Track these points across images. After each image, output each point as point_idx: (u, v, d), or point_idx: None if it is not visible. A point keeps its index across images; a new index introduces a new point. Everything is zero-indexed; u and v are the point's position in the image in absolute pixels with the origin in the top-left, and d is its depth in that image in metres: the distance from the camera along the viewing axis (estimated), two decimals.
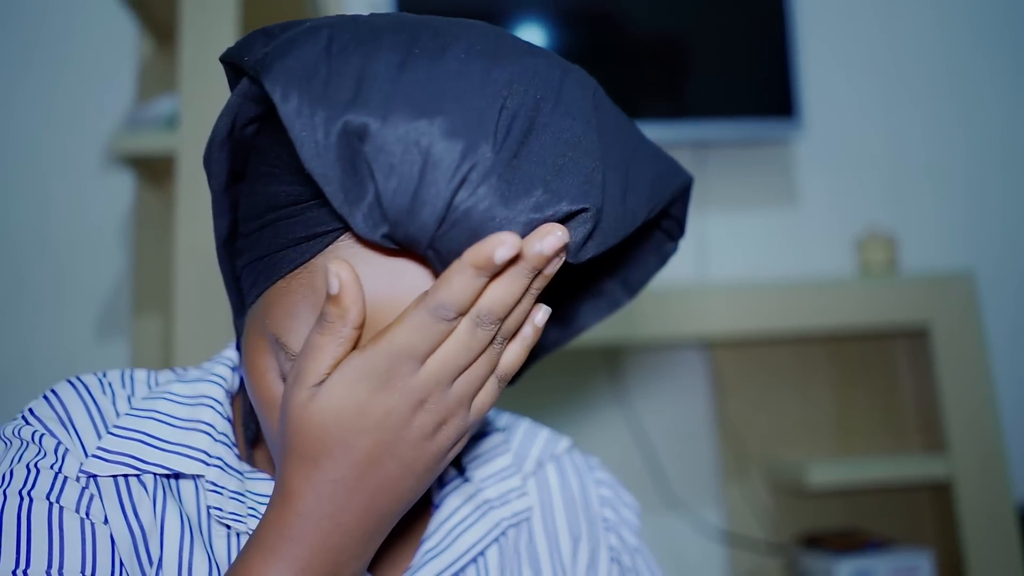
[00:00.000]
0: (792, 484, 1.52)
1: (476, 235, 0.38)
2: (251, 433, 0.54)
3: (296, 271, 0.43)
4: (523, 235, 0.38)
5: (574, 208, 0.39)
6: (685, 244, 1.74)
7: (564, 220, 0.40)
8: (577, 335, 0.61)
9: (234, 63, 0.43)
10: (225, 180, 0.46)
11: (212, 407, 0.52)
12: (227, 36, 1.44)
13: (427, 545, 0.54)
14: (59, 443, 0.48)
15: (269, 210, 0.44)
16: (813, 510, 1.61)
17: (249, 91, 0.42)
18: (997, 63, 1.90)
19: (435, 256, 0.39)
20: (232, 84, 0.46)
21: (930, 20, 1.90)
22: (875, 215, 1.80)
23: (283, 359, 0.44)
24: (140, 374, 0.54)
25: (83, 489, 0.47)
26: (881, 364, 1.67)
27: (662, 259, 0.57)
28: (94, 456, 0.48)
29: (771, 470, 1.59)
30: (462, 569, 0.55)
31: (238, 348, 0.53)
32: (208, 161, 0.45)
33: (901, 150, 1.85)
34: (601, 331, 1.43)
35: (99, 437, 0.49)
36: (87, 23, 1.73)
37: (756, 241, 1.78)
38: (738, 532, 1.59)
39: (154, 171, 1.57)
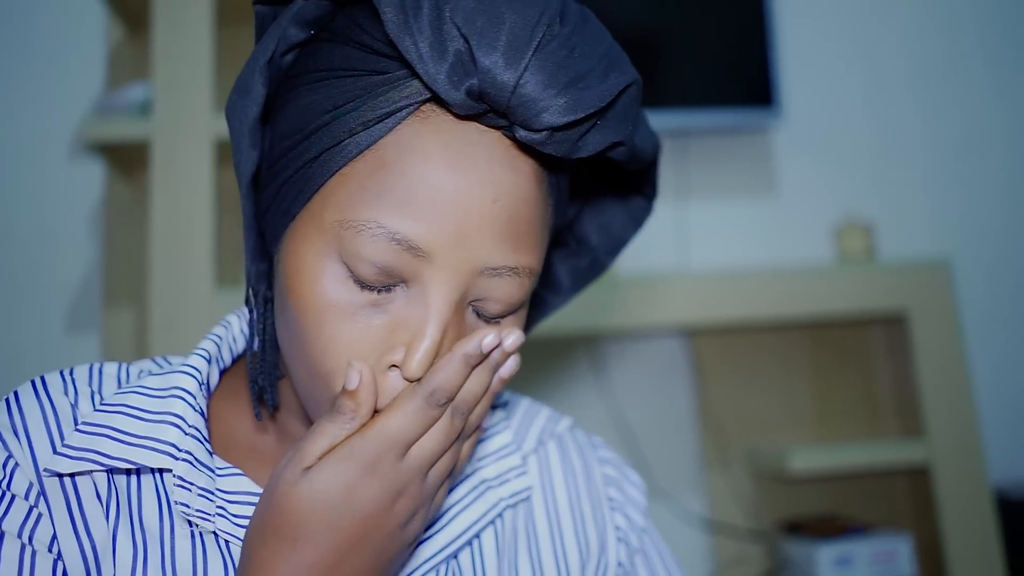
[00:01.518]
0: (773, 471, 1.53)
1: (540, 105, 0.41)
2: (257, 389, 0.52)
3: (358, 157, 0.44)
4: (582, 107, 0.42)
5: (628, 81, 0.44)
6: (665, 232, 1.74)
7: (619, 95, 0.44)
8: (563, 304, 0.61)
9: None
10: (260, 110, 0.46)
11: (183, 399, 0.49)
12: (201, 22, 1.41)
13: None
14: (9, 456, 0.46)
15: (320, 114, 0.45)
16: (794, 496, 1.62)
17: (300, 13, 0.45)
18: (974, 52, 1.92)
19: (512, 109, 0.41)
20: (261, 27, 0.48)
21: (908, 8, 1.91)
22: (853, 203, 1.81)
23: (349, 243, 0.43)
24: (110, 368, 0.52)
25: (31, 508, 0.45)
26: (859, 351, 1.69)
27: (638, 223, 0.59)
28: (59, 454, 0.46)
29: (752, 457, 1.60)
30: (456, 552, 0.54)
31: (247, 300, 0.51)
32: (245, 93, 0.46)
33: (880, 138, 1.86)
34: (582, 319, 1.42)
35: (53, 444, 0.47)
36: (54, 7, 1.69)
37: (736, 229, 1.79)
38: (720, 519, 1.59)
39: (125, 159, 1.54)
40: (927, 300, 1.51)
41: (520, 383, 1.63)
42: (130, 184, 1.60)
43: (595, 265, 0.60)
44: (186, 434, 0.48)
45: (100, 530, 0.47)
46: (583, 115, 0.41)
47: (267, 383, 0.51)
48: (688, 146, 1.79)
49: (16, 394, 0.49)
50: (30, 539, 0.45)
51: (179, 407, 0.49)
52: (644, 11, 1.72)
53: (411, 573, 0.51)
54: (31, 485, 0.46)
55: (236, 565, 0.48)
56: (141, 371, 0.53)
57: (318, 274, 0.44)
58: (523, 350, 1.72)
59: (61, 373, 0.51)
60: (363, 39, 0.45)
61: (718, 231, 1.78)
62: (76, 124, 1.65)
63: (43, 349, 1.58)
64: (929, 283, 1.51)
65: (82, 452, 0.46)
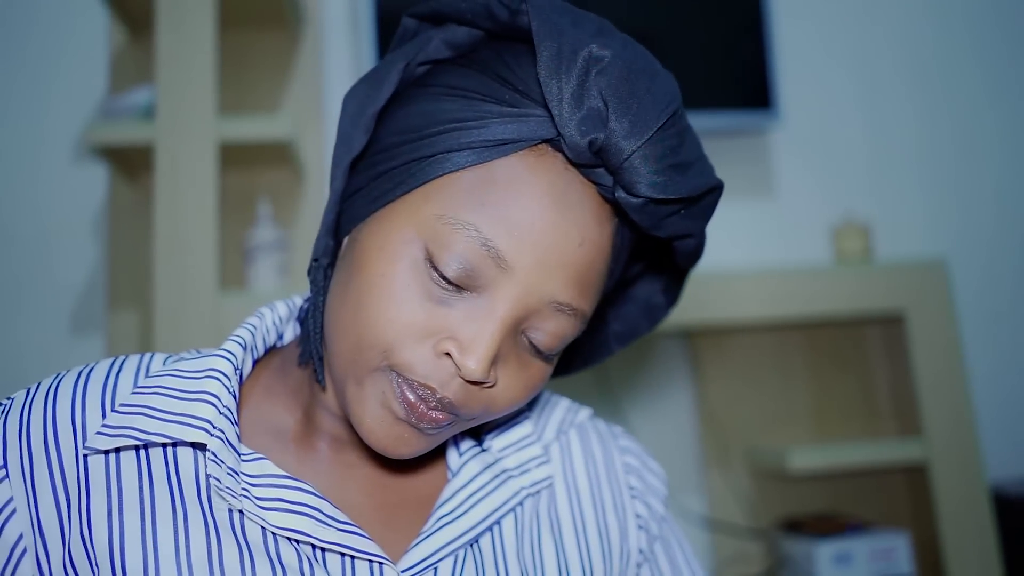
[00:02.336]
0: (773, 469, 1.54)
1: (647, 176, 0.47)
2: (317, 355, 0.54)
3: (469, 168, 0.48)
4: (669, 194, 0.48)
5: (718, 183, 0.51)
6: None
7: (708, 192, 0.51)
8: (590, 365, 0.65)
9: (438, 14, 0.52)
10: (384, 102, 0.51)
11: (219, 379, 0.51)
12: (204, 26, 1.42)
13: (442, 510, 0.54)
14: (6, 476, 0.49)
15: (441, 123, 0.49)
16: (793, 495, 1.64)
17: (451, 36, 0.52)
18: (970, 53, 1.94)
19: (621, 171, 0.47)
20: (402, 37, 0.55)
21: (905, 9, 1.93)
22: (851, 204, 1.83)
23: (443, 235, 0.47)
24: (132, 359, 0.55)
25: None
26: (857, 351, 1.70)
27: (653, 322, 0.63)
28: (98, 434, 0.48)
29: (751, 456, 1.61)
30: (477, 538, 0.55)
31: (310, 272, 0.54)
32: (377, 84, 0.51)
33: (876, 140, 1.88)
34: None
35: (53, 445, 0.50)
36: (54, 10, 1.70)
37: (734, 231, 1.80)
38: (720, 518, 1.60)
39: (128, 163, 1.55)
40: (924, 300, 1.53)
41: None
42: (133, 187, 1.61)
43: (602, 348, 0.63)
44: (220, 413, 0.50)
45: (101, 527, 0.48)
46: (675, 197, 0.47)
47: (317, 355, 0.54)
48: None
49: (33, 390, 0.52)
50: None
51: (214, 387, 0.51)
52: (641, 12, 1.73)
53: (431, 555, 0.52)
54: (10, 501, 0.49)
55: (251, 551, 0.49)
56: (168, 358, 0.55)
57: (399, 257, 0.47)
58: None
59: (109, 362, 0.54)
60: (503, 73, 0.50)
61: (716, 233, 1.79)
62: (79, 127, 1.66)
63: (47, 351, 1.59)
64: (926, 283, 1.53)
65: (120, 430, 0.49)
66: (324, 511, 0.50)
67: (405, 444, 0.49)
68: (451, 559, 0.53)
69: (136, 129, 1.42)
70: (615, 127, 0.45)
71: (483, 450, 0.59)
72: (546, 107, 0.48)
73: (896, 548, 1.47)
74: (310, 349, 0.54)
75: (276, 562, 0.49)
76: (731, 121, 1.72)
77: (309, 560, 0.50)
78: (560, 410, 0.65)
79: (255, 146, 1.47)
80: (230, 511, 0.50)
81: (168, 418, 0.49)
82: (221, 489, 0.48)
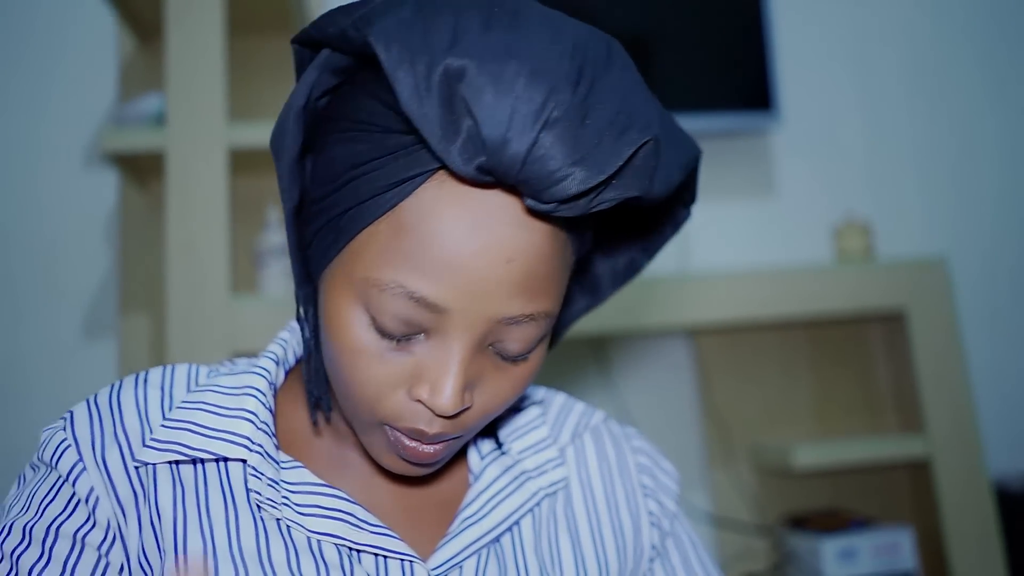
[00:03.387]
0: (777, 466, 1.56)
1: (552, 173, 0.42)
2: (314, 399, 0.56)
3: (382, 217, 0.47)
4: (596, 172, 0.42)
5: (644, 138, 0.44)
6: None
7: (635, 153, 0.44)
8: (602, 302, 0.64)
9: (312, 39, 0.49)
10: (297, 152, 0.50)
11: (256, 396, 0.55)
12: (213, 35, 1.44)
13: (466, 512, 0.57)
14: (79, 460, 0.52)
15: (349, 168, 0.47)
16: (797, 491, 1.65)
17: (329, 62, 0.48)
18: (970, 52, 1.96)
19: (522, 183, 0.43)
20: (301, 65, 0.51)
21: (904, 9, 1.95)
22: (852, 203, 1.85)
23: (373, 299, 0.47)
24: (181, 368, 0.58)
25: (90, 512, 0.51)
26: (859, 348, 1.72)
27: (676, 226, 0.61)
28: (147, 447, 0.52)
29: (756, 453, 1.63)
30: (498, 537, 0.58)
31: (298, 319, 0.56)
32: (282, 135, 0.49)
33: (877, 139, 1.90)
34: (589, 321, 1.45)
35: (143, 437, 0.53)
36: (64, 19, 1.72)
37: (736, 230, 1.82)
38: (725, 515, 1.62)
39: (139, 169, 1.57)
40: (925, 298, 1.54)
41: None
42: (143, 192, 1.63)
43: (632, 264, 0.63)
44: (258, 428, 0.53)
45: (167, 517, 0.52)
46: (592, 184, 0.43)
47: (321, 392, 0.56)
48: None
49: (95, 397, 0.55)
50: (83, 539, 0.50)
51: (251, 404, 0.54)
52: (642, 16, 1.75)
53: (457, 554, 0.55)
54: (92, 489, 0.51)
55: (296, 548, 0.52)
56: (216, 373, 0.58)
57: (350, 321, 0.48)
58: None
59: (134, 379, 0.56)
60: (386, 98, 0.46)
61: (719, 233, 1.81)
62: (89, 134, 1.68)
63: (60, 354, 1.61)
64: (926, 281, 1.55)
65: (168, 444, 0.52)
66: (357, 515, 0.54)
67: (420, 470, 0.53)
68: (475, 558, 0.56)
69: (147, 136, 1.44)
70: (493, 144, 0.42)
71: (503, 453, 0.62)
72: None
73: (900, 543, 1.49)
74: (312, 390, 0.56)
75: (320, 559, 0.52)
76: (732, 122, 1.74)
77: (348, 557, 0.53)
78: (575, 415, 0.67)
79: (264, 151, 1.49)
80: (255, 516, 0.53)
81: (212, 434, 0.53)
82: (262, 502, 0.52)
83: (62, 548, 0.49)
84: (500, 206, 0.45)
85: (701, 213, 1.80)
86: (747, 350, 1.70)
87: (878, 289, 1.54)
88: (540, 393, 0.68)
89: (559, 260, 0.49)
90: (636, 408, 1.68)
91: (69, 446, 0.52)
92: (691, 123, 1.72)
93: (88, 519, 0.51)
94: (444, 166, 0.45)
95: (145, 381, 0.56)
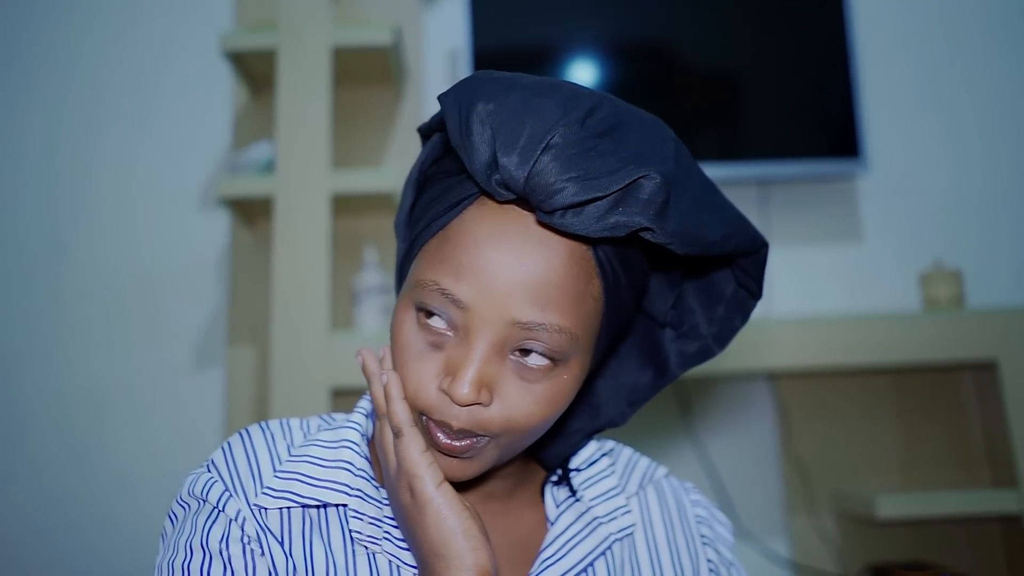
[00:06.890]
0: (860, 515, 1.54)
1: (549, 185, 0.51)
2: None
3: (436, 235, 0.58)
4: (586, 197, 0.51)
5: (645, 172, 0.51)
6: None
7: (636, 183, 0.51)
8: (670, 380, 0.69)
9: (431, 128, 0.63)
10: (410, 205, 0.64)
11: (351, 448, 0.63)
12: (320, 89, 1.55)
13: (545, 554, 0.63)
14: (225, 490, 0.61)
15: (428, 202, 0.60)
16: (880, 540, 1.63)
17: (439, 141, 0.62)
18: None
19: (529, 194, 0.52)
20: (425, 144, 0.66)
21: (992, 55, 1.93)
22: (939, 250, 1.82)
23: (417, 296, 0.56)
24: (295, 422, 0.67)
25: (243, 533, 0.59)
26: (948, 396, 1.69)
27: (744, 316, 0.65)
28: (264, 494, 0.60)
29: (838, 501, 1.61)
30: None
31: None
32: (402, 194, 0.64)
33: (965, 185, 1.87)
34: None
35: (256, 483, 0.61)
36: (186, 75, 1.88)
37: (821, 276, 1.82)
38: (805, 563, 1.61)
39: (249, 212, 1.69)
40: (1017, 347, 1.51)
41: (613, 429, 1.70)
42: (252, 232, 1.75)
43: (703, 351, 0.67)
44: (355, 475, 0.61)
45: (299, 551, 0.59)
46: (585, 199, 0.50)
47: None
48: (770, 193, 1.84)
49: (229, 443, 0.64)
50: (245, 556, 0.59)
51: (347, 455, 0.63)
52: (721, 61, 1.79)
53: None
54: (239, 511, 0.60)
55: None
56: (318, 427, 0.67)
57: (402, 320, 0.58)
58: None
59: (260, 426, 0.65)
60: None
61: (803, 278, 1.81)
62: (205, 179, 1.82)
63: (174, 382, 1.74)
64: (1019, 330, 1.52)
65: (281, 492, 0.60)
66: None
67: (458, 471, 0.58)
68: None
69: (258, 182, 1.56)
70: (505, 162, 0.52)
71: (577, 499, 0.68)
72: None
73: None
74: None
75: None
76: (820, 168, 1.75)
77: None
78: (641, 468, 0.73)
79: (362, 196, 1.59)
80: (368, 553, 0.60)
81: (317, 484, 0.61)
82: (362, 539, 0.59)
83: (235, 554, 0.58)
84: (522, 223, 0.55)
85: (784, 257, 1.81)
86: (830, 396, 1.69)
87: (968, 338, 1.52)
88: (608, 445, 0.74)
89: (577, 280, 0.55)
90: (718, 454, 1.69)
91: (216, 482, 0.61)
92: (779, 169, 1.74)
93: (242, 535, 0.59)
94: (483, 191, 0.56)
95: (271, 431, 0.65)
